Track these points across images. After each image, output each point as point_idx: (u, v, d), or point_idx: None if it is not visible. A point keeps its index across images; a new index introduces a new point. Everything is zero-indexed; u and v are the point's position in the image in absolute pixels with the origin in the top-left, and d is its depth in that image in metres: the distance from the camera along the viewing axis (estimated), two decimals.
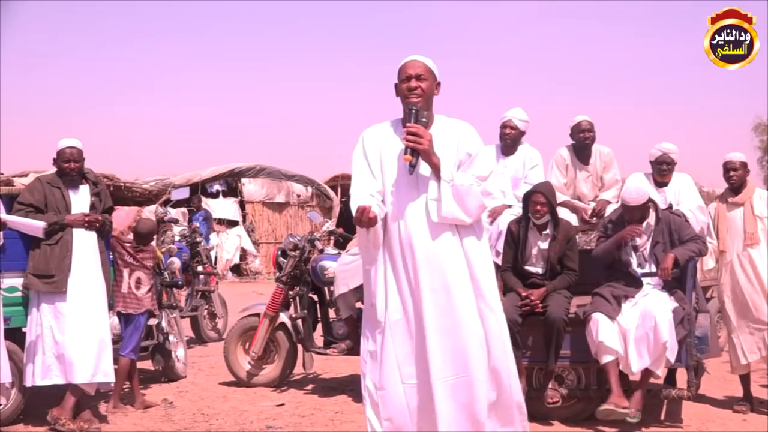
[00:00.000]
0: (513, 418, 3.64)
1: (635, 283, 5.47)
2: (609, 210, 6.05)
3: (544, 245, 5.66)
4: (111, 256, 5.80)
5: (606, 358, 5.24)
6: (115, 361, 5.65)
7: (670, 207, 5.78)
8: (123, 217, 6.51)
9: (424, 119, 3.48)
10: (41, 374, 5.16)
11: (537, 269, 5.69)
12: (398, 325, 3.50)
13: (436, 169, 3.46)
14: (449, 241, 3.49)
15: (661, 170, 6.07)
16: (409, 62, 3.56)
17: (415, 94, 3.51)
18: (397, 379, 3.51)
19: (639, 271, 5.49)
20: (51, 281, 5.17)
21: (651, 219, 5.52)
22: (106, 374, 5.31)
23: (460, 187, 3.43)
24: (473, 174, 3.51)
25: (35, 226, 5.18)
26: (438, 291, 3.46)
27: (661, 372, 5.38)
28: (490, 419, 3.52)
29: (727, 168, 5.99)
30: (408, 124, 3.43)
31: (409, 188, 3.51)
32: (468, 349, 3.46)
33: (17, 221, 5.19)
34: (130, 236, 6.25)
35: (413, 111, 3.47)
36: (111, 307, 5.67)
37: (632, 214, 5.45)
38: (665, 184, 6.10)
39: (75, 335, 5.18)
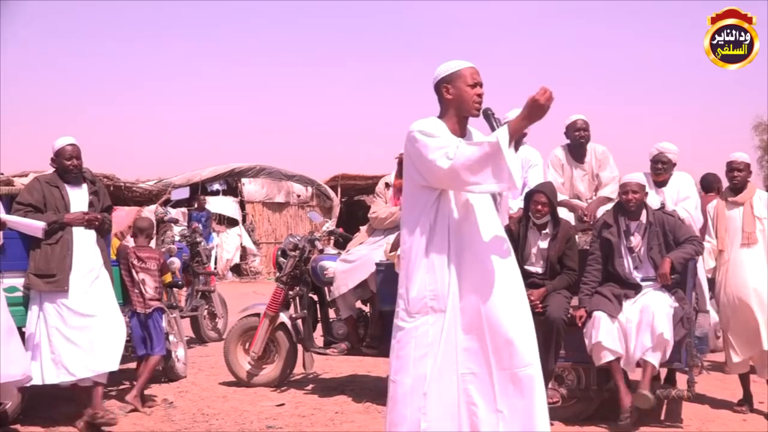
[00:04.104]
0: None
1: (633, 286, 5.47)
2: (607, 208, 6.03)
3: (544, 245, 5.65)
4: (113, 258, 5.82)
5: (606, 357, 5.24)
6: (124, 360, 5.67)
7: (662, 207, 5.77)
8: (123, 217, 6.52)
9: (501, 125, 3.57)
10: (51, 373, 5.16)
11: (537, 269, 5.69)
12: (457, 314, 3.47)
13: None
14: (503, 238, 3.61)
15: (656, 169, 6.06)
16: (475, 69, 3.62)
17: (482, 102, 3.61)
18: (453, 370, 3.44)
19: (637, 276, 5.48)
20: (52, 280, 5.17)
21: (643, 218, 5.51)
22: (109, 364, 5.30)
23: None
24: None
25: (35, 226, 5.18)
26: (497, 283, 3.48)
27: (658, 365, 5.36)
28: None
29: (731, 168, 5.99)
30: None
31: None
32: (528, 341, 3.47)
33: (17, 221, 5.19)
34: (129, 239, 6.27)
35: (493, 116, 3.60)
36: (122, 304, 5.72)
37: (629, 197, 5.44)
38: (663, 184, 6.09)
39: (80, 333, 5.19)
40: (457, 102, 3.61)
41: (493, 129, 3.53)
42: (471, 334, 3.45)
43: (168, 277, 6.29)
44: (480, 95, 3.61)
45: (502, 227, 3.63)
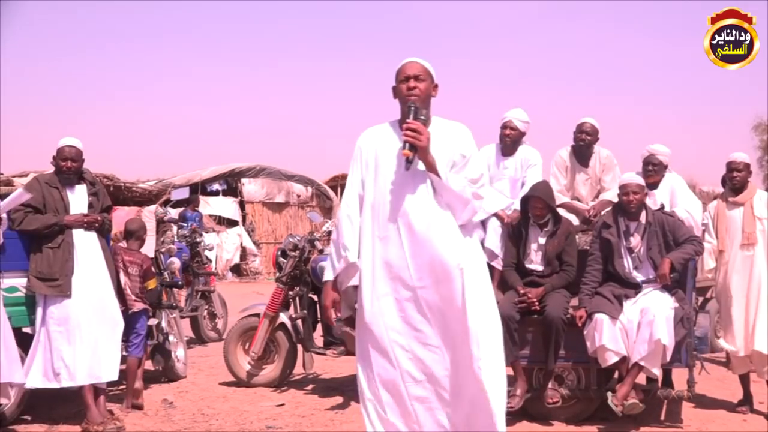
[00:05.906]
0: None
1: (633, 285, 5.47)
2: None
3: (543, 240, 5.66)
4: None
5: (611, 359, 5.24)
6: (123, 360, 5.64)
7: (662, 207, 5.75)
8: (123, 218, 6.48)
9: (422, 117, 3.52)
10: (53, 376, 5.15)
11: (537, 266, 5.68)
12: (392, 320, 3.51)
13: (430, 168, 3.50)
14: (445, 238, 3.50)
15: (647, 171, 5.99)
16: (408, 64, 3.61)
17: (414, 94, 3.55)
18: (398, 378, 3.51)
19: (637, 276, 5.47)
20: (54, 284, 5.15)
21: (643, 218, 5.51)
22: (111, 373, 5.29)
23: (451, 188, 3.48)
24: (465, 176, 3.55)
25: (17, 194, 5.09)
26: (433, 288, 3.48)
27: (658, 371, 5.36)
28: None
29: (731, 168, 5.98)
30: (408, 120, 3.47)
31: (404, 185, 3.53)
32: (461, 347, 3.46)
33: (4, 203, 5.04)
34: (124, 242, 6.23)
35: (412, 108, 3.51)
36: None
37: (630, 198, 5.41)
38: (654, 186, 6.02)
39: (83, 337, 5.17)
40: (400, 102, 3.62)
41: (408, 117, 3.48)
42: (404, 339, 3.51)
43: (151, 284, 6.06)
44: (410, 88, 3.53)
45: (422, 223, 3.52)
